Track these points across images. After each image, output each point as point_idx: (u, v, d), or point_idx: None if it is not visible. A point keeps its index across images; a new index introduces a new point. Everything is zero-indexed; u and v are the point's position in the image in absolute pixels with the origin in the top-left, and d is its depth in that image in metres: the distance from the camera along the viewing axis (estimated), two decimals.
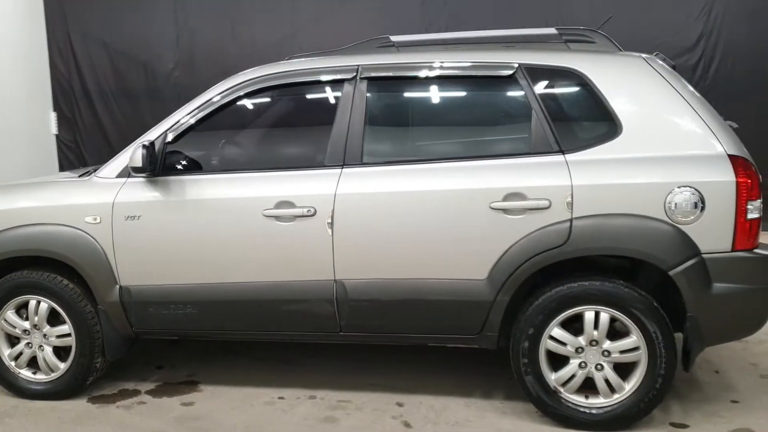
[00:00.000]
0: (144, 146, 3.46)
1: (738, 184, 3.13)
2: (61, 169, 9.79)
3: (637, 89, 3.35)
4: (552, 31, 3.54)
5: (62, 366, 3.83)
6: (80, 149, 9.84)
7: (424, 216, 3.37)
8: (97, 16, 9.53)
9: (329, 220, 3.41)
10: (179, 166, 3.68)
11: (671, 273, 3.17)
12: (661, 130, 3.28)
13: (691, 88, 3.36)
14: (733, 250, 3.16)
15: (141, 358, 4.42)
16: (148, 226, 3.61)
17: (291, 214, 3.44)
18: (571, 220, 3.22)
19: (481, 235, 3.31)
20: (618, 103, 3.30)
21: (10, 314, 3.84)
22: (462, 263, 3.36)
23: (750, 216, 3.15)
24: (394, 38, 3.69)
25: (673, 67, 3.54)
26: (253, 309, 3.60)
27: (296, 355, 4.35)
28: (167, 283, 3.64)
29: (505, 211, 3.27)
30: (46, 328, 3.81)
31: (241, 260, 3.55)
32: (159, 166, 3.60)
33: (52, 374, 3.85)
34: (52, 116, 9.68)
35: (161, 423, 3.56)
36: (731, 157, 3.16)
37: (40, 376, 3.87)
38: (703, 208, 3.14)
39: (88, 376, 3.83)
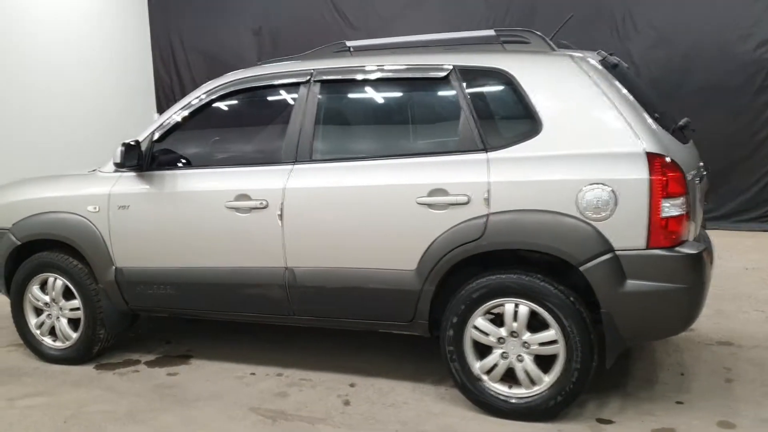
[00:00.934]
0: (123, 144, 3.95)
1: (651, 181, 3.13)
2: None
3: (561, 88, 3.41)
4: (491, 32, 3.65)
5: (74, 335, 4.41)
6: None
7: (360, 209, 3.62)
8: (192, 24, 10.39)
9: (279, 212, 3.74)
10: (165, 162, 4.13)
11: (582, 269, 3.23)
12: (581, 129, 3.33)
13: (620, 87, 3.36)
14: (647, 248, 3.16)
15: (155, 334, 4.96)
16: (134, 214, 4.10)
17: (248, 206, 3.80)
18: (487, 216, 3.35)
19: (409, 228, 3.51)
20: (540, 102, 3.38)
21: (35, 289, 4.47)
22: (394, 254, 3.57)
23: (666, 214, 3.13)
24: (349, 43, 3.94)
25: (614, 66, 3.55)
26: (219, 291, 4.00)
27: (291, 336, 4.67)
28: (150, 265, 4.12)
29: (430, 205, 3.45)
30: (62, 302, 4.41)
31: (208, 247, 3.96)
32: (146, 161, 4.09)
33: (67, 342, 4.44)
34: (155, 116, 10.63)
35: (142, 388, 4.04)
36: (649, 155, 3.17)
37: (58, 344, 4.48)
38: (615, 205, 3.17)
39: (93, 346, 4.39)
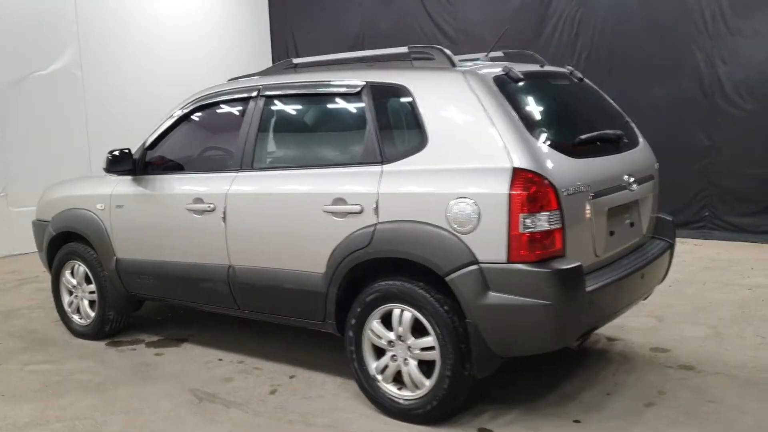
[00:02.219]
0: (109, 152, 4.59)
1: (510, 196, 3.17)
2: None
3: (447, 104, 3.52)
4: (404, 49, 3.81)
5: (92, 315, 5.15)
6: None
7: (280, 214, 3.96)
8: (305, 28, 11.09)
9: (222, 215, 4.17)
10: (152, 168, 4.71)
11: (447, 279, 3.33)
12: (460, 144, 3.42)
13: (505, 104, 3.38)
14: (508, 262, 3.21)
15: (176, 318, 5.61)
16: (127, 213, 4.74)
17: (201, 208, 4.28)
18: (375, 225, 3.55)
19: (318, 233, 3.79)
20: (428, 117, 3.51)
21: (67, 273, 5.27)
22: (307, 258, 3.86)
23: (527, 229, 3.16)
24: (296, 60, 4.28)
25: (518, 80, 3.58)
26: (183, 283, 4.52)
27: (282, 330, 5.01)
28: (137, 257, 4.73)
29: (333, 213, 3.71)
30: (83, 286, 5.16)
31: (174, 244, 4.49)
32: (139, 166, 4.70)
33: (87, 320, 5.19)
34: None
35: (126, 364, 4.66)
36: (515, 170, 3.20)
37: (82, 321, 5.24)
38: (479, 219, 3.24)
39: (105, 325, 5.09)
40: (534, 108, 3.64)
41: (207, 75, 9.93)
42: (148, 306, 5.48)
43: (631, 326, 4.88)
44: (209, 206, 4.22)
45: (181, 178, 4.54)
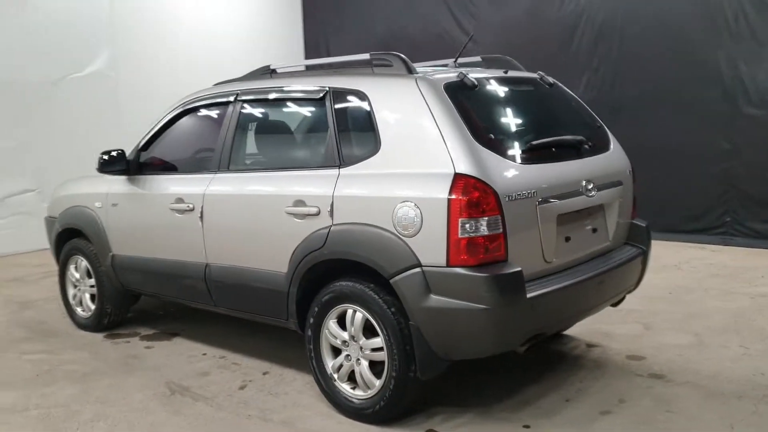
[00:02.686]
0: (102, 153, 4.79)
1: (450, 201, 3.21)
2: None
3: (400, 110, 3.57)
4: (366, 56, 3.87)
5: (92, 308, 5.39)
6: None
7: (249, 215, 4.08)
8: (337, 28, 11.23)
9: (200, 214, 4.32)
10: (143, 168, 4.90)
11: (391, 281, 3.39)
12: (409, 149, 3.47)
13: (453, 110, 3.41)
14: (448, 266, 3.24)
15: (175, 312, 5.80)
16: (120, 211, 4.95)
17: (181, 208, 4.44)
18: (330, 227, 3.64)
19: (281, 234, 3.89)
20: (382, 122, 3.58)
21: (72, 268, 5.52)
22: (272, 257, 3.96)
23: (466, 234, 3.19)
24: (273, 66, 4.39)
25: (473, 87, 3.60)
26: (167, 279, 4.69)
27: (268, 327, 5.15)
28: (128, 254, 4.93)
29: (294, 215, 3.81)
30: (85, 280, 5.40)
31: (160, 242, 4.67)
32: (133, 167, 4.90)
33: (89, 313, 5.43)
34: None
35: (115, 356, 4.87)
36: (457, 175, 3.24)
37: (84, 314, 5.48)
38: (421, 223, 3.29)
39: (103, 318, 5.32)
40: (485, 114, 3.66)
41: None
42: (150, 300, 5.70)
43: (616, 333, 4.84)
44: (188, 206, 4.38)
45: (167, 178, 4.71)
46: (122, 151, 4.86)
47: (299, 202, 3.78)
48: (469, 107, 3.50)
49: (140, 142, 4.94)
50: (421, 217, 3.29)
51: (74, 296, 5.56)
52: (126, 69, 9.55)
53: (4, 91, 8.37)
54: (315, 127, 4.08)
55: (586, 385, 4.03)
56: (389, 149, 3.53)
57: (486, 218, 3.21)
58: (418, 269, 3.30)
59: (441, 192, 3.24)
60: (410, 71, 3.65)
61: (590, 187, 3.71)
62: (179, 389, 4.21)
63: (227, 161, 4.30)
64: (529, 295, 3.29)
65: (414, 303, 3.33)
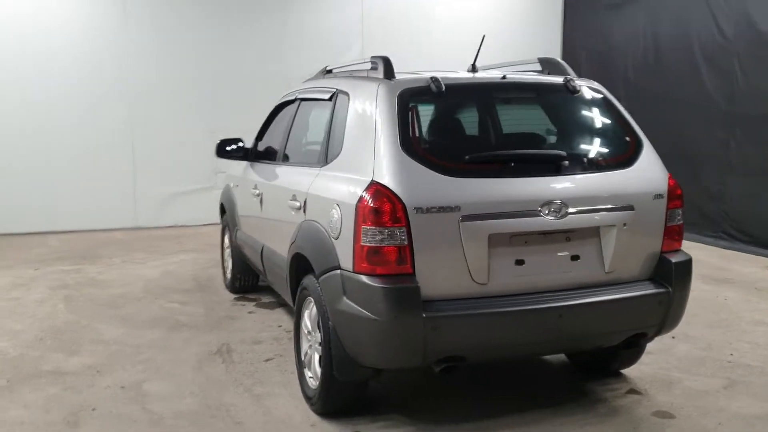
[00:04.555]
0: (221, 140, 5.50)
1: (357, 208, 3.22)
2: None
3: (361, 113, 3.60)
4: (367, 60, 3.90)
5: (229, 274, 6.26)
6: None
7: (276, 204, 4.49)
8: (594, 24, 10.73)
9: (260, 200, 4.83)
10: (255, 154, 5.52)
11: (319, 280, 3.50)
12: (356, 152, 3.51)
13: (394, 116, 3.36)
14: (354, 271, 3.26)
15: None
16: (238, 192, 5.69)
17: (256, 192, 5.00)
18: (303, 221, 3.87)
19: (287, 223, 4.19)
20: (350, 124, 3.67)
21: (226, 238, 6.46)
22: (283, 244, 4.23)
23: (368, 242, 3.17)
24: (329, 67, 4.65)
25: (438, 94, 3.47)
26: (255, 258, 5.29)
27: None
28: (244, 230, 5.61)
29: (291, 207, 4.10)
30: (227, 249, 6.28)
31: (250, 222, 5.30)
32: (250, 153, 5.56)
33: (229, 276, 6.30)
34: None
35: (222, 314, 5.63)
36: (371, 183, 3.23)
37: (227, 276, 6.37)
38: (341, 226, 3.35)
39: (235, 282, 6.14)
40: (437, 123, 3.48)
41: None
42: None
43: (684, 384, 4.14)
44: (257, 192, 4.91)
45: (254, 164, 5.29)
46: (236, 139, 5.50)
47: (293, 197, 4.05)
48: (416, 116, 3.42)
49: (259, 132, 5.58)
50: (341, 220, 3.34)
51: (224, 261, 6.49)
52: None
53: (278, 83, 9.03)
54: (322, 126, 4.26)
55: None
56: (346, 151, 3.62)
57: (389, 228, 3.14)
58: (337, 271, 3.37)
59: (354, 198, 3.26)
60: (386, 76, 3.63)
61: (553, 208, 3.30)
62: (225, 351, 4.77)
63: (282, 154, 4.72)
64: (428, 315, 3.13)
65: (330, 304, 3.41)
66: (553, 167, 3.43)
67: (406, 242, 3.15)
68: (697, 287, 6.23)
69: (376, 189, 3.18)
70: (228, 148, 5.50)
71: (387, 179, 3.20)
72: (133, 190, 9.84)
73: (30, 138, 9.31)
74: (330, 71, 4.65)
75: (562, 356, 4.51)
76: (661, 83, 9.40)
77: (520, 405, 3.86)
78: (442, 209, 3.18)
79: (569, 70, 3.96)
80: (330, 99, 4.07)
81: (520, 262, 3.33)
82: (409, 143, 3.30)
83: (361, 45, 10.39)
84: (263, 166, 5.06)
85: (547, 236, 3.36)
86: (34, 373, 4.38)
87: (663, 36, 9.49)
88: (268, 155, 5.20)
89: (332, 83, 4.19)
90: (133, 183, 9.82)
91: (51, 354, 4.73)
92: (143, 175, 9.81)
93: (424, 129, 3.46)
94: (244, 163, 5.63)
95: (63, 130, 9.43)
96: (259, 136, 5.55)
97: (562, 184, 3.40)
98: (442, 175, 3.25)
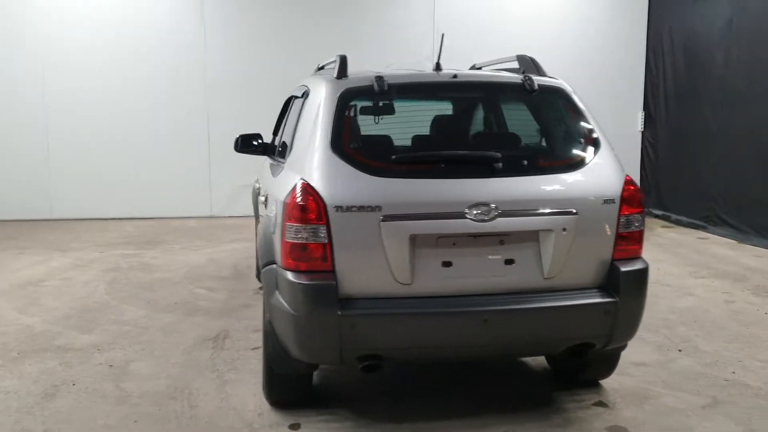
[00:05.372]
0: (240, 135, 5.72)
1: (284, 205, 3.31)
2: (642, 165, 11.07)
3: (311, 111, 3.65)
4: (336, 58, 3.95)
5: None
6: (656, 148, 10.84)
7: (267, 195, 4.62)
8: (681, 17, 10.20)
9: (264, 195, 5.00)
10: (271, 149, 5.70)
11: (261, 272, 3.62)
12: (300, 151, 3.58)
13: (331, 114, 3.41)
14: (281, 267, 3.35)
15: None
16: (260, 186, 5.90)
17: (257, 186, 5.18)
18: (265, 215, 3.99)
19: (274, 214, 4.31)
20: (302, 120, 3.76)
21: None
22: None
23: (291, 238, 3.25)
24: (320, 63, 4.74)
25: (382, 92, 3.49)
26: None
27: None
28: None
29: (260, 201, 4.25)
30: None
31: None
32: (269, 148, 5.76)
33: None
34: (640, 116, 10.97)
35: (241, 302, 5.88)
36: (300, 181, 3.31)
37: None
38: (275, 222, 3.46)
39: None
40: (372, 123, 3.48)
41: (582, 69, 9.99)
42: None
43: (659, 400, 3.93)
44: (258, 186, 5.09)
45: (266, 159, 5.46)
46: (255, 134, 5.67)
47: (262, 191, 4.20)
48: (352, 115, 3.45)
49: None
50: (276, 216, 3.44)
51: (256, 252, 6.75)
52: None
53: None
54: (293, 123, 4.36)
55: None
56: (295, 149, 3.72)
57: (310, 226, 3.21)
58: (273, 266, 3.47)
59: (284, 195, 3.35)
60: (338, 75, 3.68)
61: (481, 211, 3.24)
62: (222, 337, 5.00)
63: (275, 150, 4.87)
64: (345, 312, 3.17)
65: (266, 297, 3.52)
66: (486, 169, 3.35)
67: (326, 240, 3.20)
68: (742, 298, 5.95)
69: (302, 186, 3.26)
70: (250, 143, 5.70)
71: (313, 177, 3.26)
72: (208, 181, 10.39)
73: (119, 132, 10.23)
74: (322, 68, 4.74)
75: (543, 362, 4.39)
76: (747, 79, 8.78)
77: (480, 408, 3.81)
78: (362, 208, 3.20)
79: (541, 68, 3.84)
80: (302, 96, 4.17)
81: (447, 264, 3.29)
82: (340, 142, 3.35)
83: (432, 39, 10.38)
84: (264, 161, 5.24)
85: (477, 239, 3.30)
86: (44, 347, 4.78)
87: (750, 29, 8.85)
88: (271, 150, 5.36)
89: (308, 81, 4.29)
90: (208, 174, 10.36)
91: (68, 331, 5.13)
92: (217, 166, 10.33)
93: (361, 128, 3.48)
94: (262, 158, 5.83)
95: (147, 125, 10.23)
96: (275, 132, 5.73)
97: (492, 186, 3.31)
98: (367, 175, 3.27)
